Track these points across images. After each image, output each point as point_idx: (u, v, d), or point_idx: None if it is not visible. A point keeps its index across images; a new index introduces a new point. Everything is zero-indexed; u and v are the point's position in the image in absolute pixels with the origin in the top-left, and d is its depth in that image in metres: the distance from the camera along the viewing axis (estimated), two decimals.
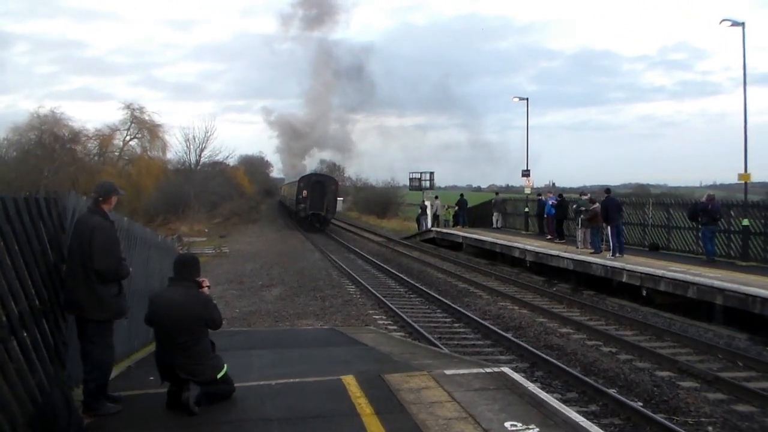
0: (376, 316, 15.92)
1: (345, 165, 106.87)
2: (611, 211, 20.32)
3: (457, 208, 38.56)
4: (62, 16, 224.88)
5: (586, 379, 10.18)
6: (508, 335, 13.48)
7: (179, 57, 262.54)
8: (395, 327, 14.71)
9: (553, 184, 52.16)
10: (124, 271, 6.29)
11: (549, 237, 27.40)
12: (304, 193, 50.28)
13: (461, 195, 39.80)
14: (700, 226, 20.04)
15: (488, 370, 8.00)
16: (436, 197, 41.69)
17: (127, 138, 57.33)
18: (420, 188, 47.41)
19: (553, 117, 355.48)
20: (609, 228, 20.63)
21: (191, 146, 67.08)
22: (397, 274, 23.60)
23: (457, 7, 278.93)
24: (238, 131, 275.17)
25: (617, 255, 19.93)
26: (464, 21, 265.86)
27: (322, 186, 50.93)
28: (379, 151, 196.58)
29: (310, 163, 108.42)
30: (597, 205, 21.80)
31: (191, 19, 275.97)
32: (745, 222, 19.63)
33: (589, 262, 19.79)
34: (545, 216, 28.59)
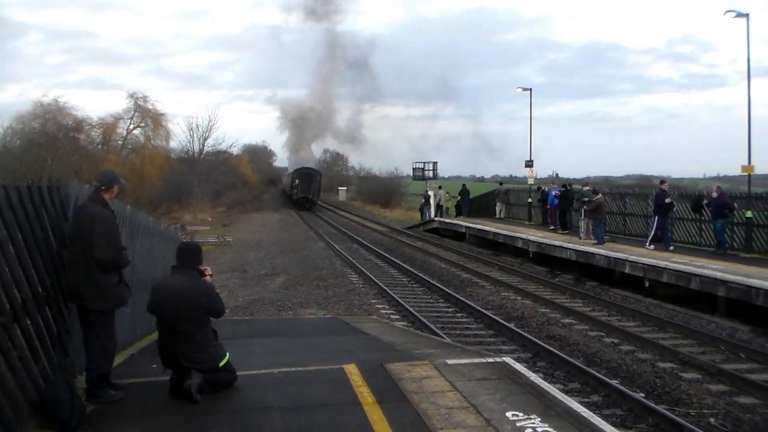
0: (379, 306, 15.94)
1: (358, 156, 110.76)
2: (657, 206, 20.29)
3: (459, 197, 38.55)
4: (76, 6, 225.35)
5: (589, 369, 10.19)
6: (511, 325, 13.49)
7: (190, 47, 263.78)
8: (398, 316, 14.72)
9: (557, 174, 52.29)
10: (124, 260, 6.28)
11: (552, 227, 27.39)
12: (296, 181, 66.27)
13: (463, 185, 39.81)
14: (707, 219, 20.16)
15: (490, 360, 8.01)
16: (440, 187, 41.62)
17: (131, 127, 57.32)
18: (423, 178, 47.36)
19: (559, 108, 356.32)
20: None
21: (195, 135, 66.99)
22: (400, 263, 23.60)
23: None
24: (245, 121, 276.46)
25: (654, 246, 20.00)
26: (474, 13, 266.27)
27: (309, 176, 66.83)
28: (386, 141, 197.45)
29: (317, 151, 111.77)
30: (600, 196, 21.82)
31: (203, 9, 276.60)
32: (749, 214, 19.60)
33: (592, 253, 19.78)
34: (548, 206, 28.57)
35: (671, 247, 19.80)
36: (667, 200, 20.04)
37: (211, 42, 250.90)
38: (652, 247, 19.95)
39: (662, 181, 21.50)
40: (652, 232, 20.38)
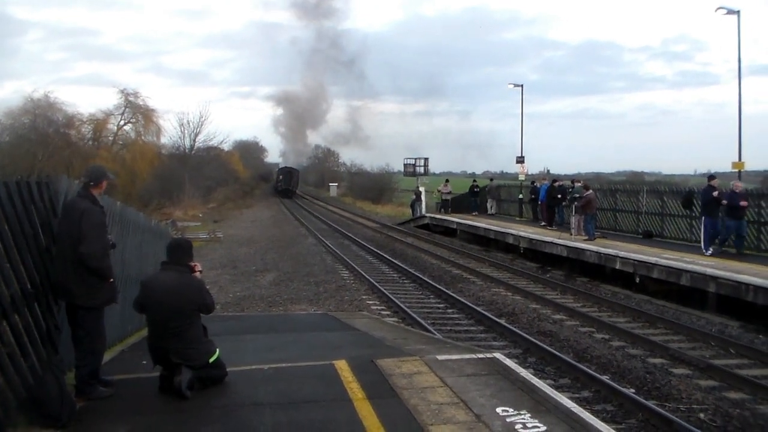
0: (370, 302, 15.93)
1: (363, 152, 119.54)
2: (704, 204, 18.25)
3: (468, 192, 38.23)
4: (79, 4, 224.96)
5: (579, 365, 10.20)
6: (501, 321, 13.50)
7: (188, 45, 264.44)
8: (388, 312, 14.73)
9: (548, 170, 52.43)
10: (107, 264, 6.15)
11: (543, 223, 27.41)
12: (281, 177, 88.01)
13: (474, 181, 39.65)
14: (697, 215, 19.91)
15: (480, 355, 8.01)
16: (447, 181, 41.28)
17: (122, 123, 56.99)
18: (414, 174, 47.29)
19: (554, 105, 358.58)
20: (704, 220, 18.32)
21: (185, 131, 66.94)
22: (391, 259, 23.60)
23: None
24: (239, 118, 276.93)
25: (709, 250, 17.74)
26: (473, 13, 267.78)
27: (290, 173, 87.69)
28: (380, 138, 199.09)
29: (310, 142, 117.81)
30: (590, 191, 21.83)
31: (204, 7, 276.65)
32: None
33: (583, 249, 19.81)
34: (539, 202, 28.57)
35: (709, 251, 17.66)
36: (715, 193, 17.66)
37: (210, 40, 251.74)
38: (709, 252, 17.65)
39: (711, 176, 18.81)
40: (702, 235, 18.38)
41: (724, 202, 17.58)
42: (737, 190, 17.78)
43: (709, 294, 14.71)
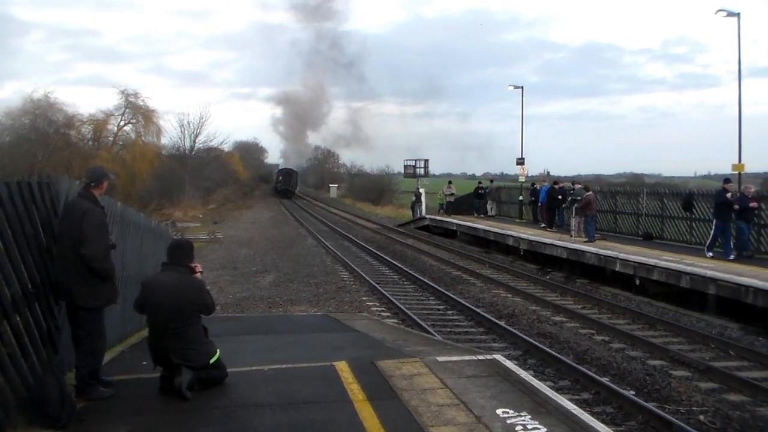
0: (370, 303, 15.93)
1: (365, 153, 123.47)
2: (717, 206, 17.77)
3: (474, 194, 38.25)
4: (81, 5, 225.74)
5: (579, 367, 10.20)
6: (501, 323, 13.49)
7: (190, 45, 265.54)
8: (388, 314, 14.73)
9: (548, 172, 52.50)
10: (110, 264, 6.16)
11: (543, 225, 27.39)
12: (280, 177, 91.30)
13: (479, 182, 39.65)
14: (697, 217, 19.85)
15: (481, 357, 8.01)
16: (450, 182, 41.29)
17: (122, 123, 56.88)
18: (414, 175, 47.29)
19: (554, 107, 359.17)
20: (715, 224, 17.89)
21: (186, 132, 66.90)
22: (391, 261, 23.59)
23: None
24: (239, 119, 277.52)
25: (731, 257, 17.13)
26: (474, 14, 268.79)
27: (289, 174, 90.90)
28: (381, 139, 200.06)
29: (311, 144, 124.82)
30: (590, 193, 21.84)
31: (205, 8, 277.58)
32: None
33: (583, 251, 19.80)
34: (539, 204, 28.56)
35: (732, 256, 17.08)
36: (728, 195, 17.46)
37: (211, 40, 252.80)
38: (710, 254, 17.51)
39: (726, 180, 18.77)
40: (710, 238, 18.04)
41: (737, 207, 17.27)
42: (748, 194, 17.67)
43: (709, 296, 14.72)
